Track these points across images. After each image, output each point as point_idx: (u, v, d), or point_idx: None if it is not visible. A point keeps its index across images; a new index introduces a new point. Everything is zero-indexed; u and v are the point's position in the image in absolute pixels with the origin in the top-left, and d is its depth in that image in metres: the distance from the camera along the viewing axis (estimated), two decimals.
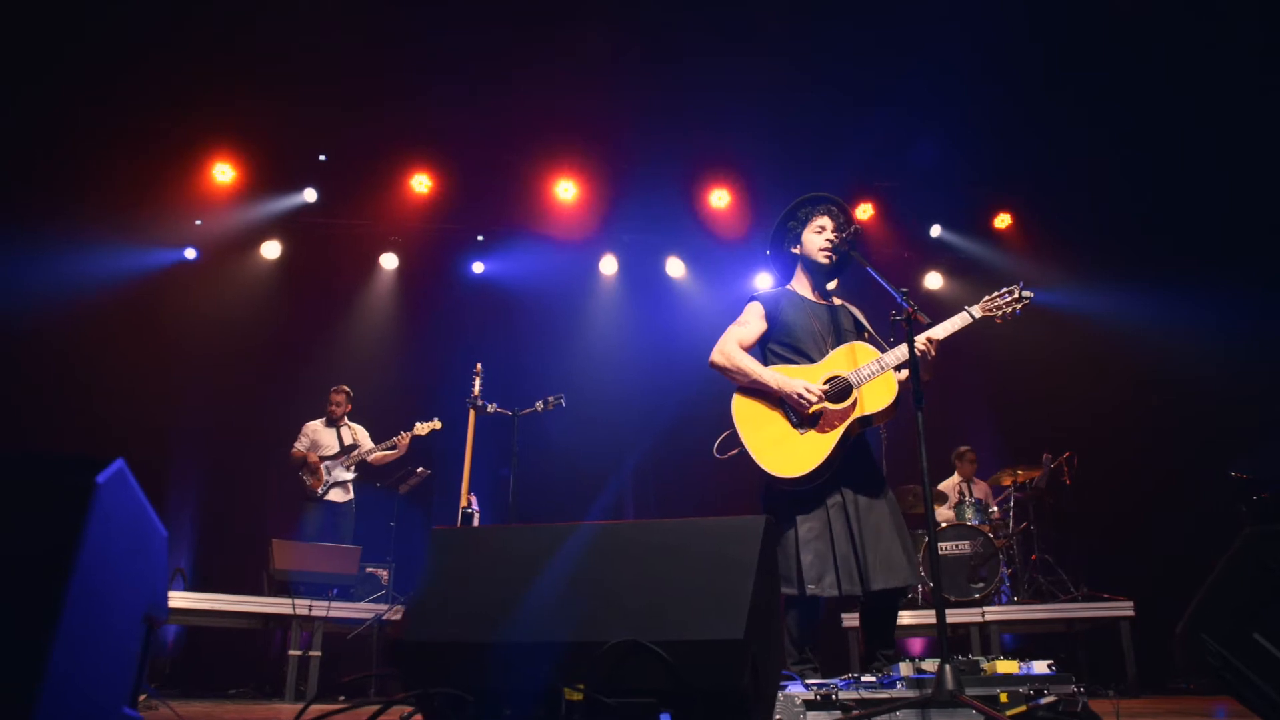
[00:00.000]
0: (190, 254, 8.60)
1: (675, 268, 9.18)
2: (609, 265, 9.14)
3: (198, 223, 8.54)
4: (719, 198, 8.80)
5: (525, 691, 2.09)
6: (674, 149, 8.24)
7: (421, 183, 8.68)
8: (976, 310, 3.65)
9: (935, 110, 7.33)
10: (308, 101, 7.65)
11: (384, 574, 7.07)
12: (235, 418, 8.19)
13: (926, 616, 6.34)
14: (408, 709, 2.35)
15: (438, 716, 2.16)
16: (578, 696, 2.01)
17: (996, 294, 3.67)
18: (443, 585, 2.35)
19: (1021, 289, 3.63)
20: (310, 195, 8.61)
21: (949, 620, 6.32)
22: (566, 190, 8.73)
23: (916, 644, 7.61)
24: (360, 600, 6.60)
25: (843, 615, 6.31)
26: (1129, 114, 7.44)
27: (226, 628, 6.55)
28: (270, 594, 6.23)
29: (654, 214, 8.79)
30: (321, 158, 8.48)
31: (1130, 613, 6.16)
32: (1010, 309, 3.63)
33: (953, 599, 6.48)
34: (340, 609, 6.23)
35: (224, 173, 8.33)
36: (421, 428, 7.41)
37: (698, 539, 2.21)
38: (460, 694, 2.06)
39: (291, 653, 5.95)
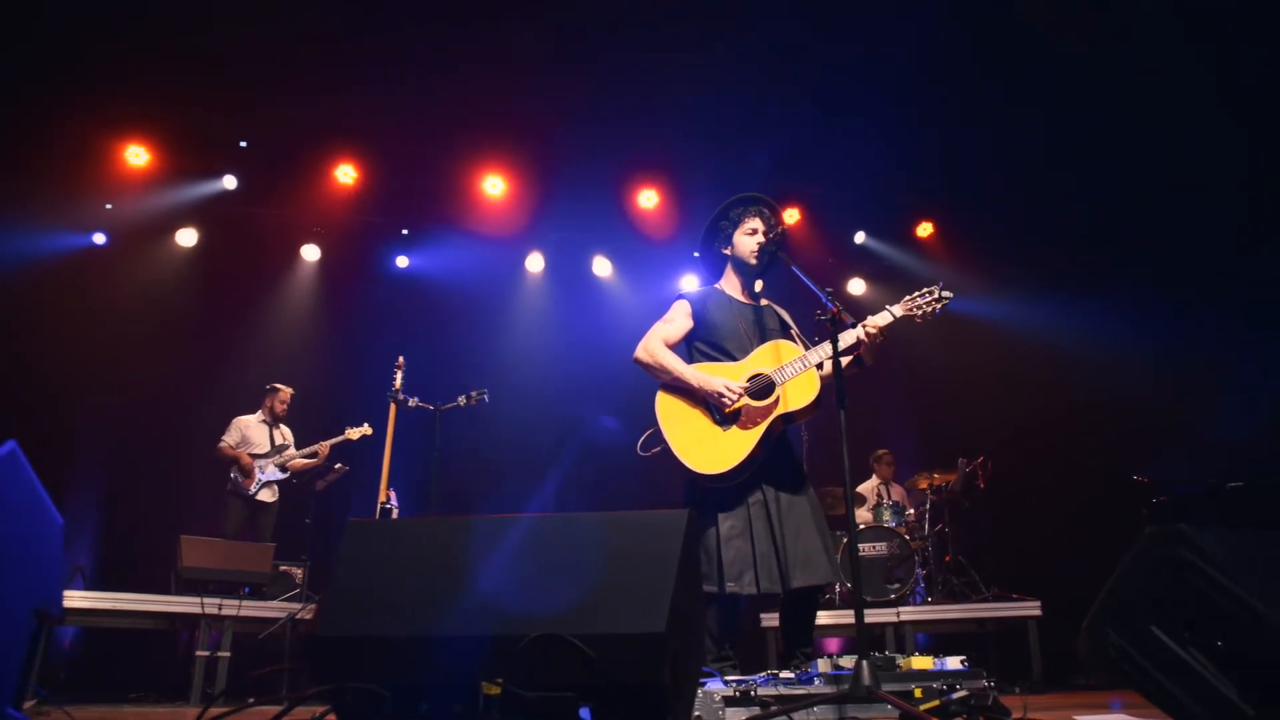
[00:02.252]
0: (99, 239, 8.26)
1: (602, 267, 9.16)
2: (536, 263, 9.08)
3: (108, 206, 8.20)
4: (648, 198, 8.81)
5: (443, 686, 2.04)
6: (604, 148, 8.22)
7: (346, 174, 8.48)
8: (898, 309, 3.72)
9: (861, 117, 7.45)
10: (229, 86, 7.40)
11: (299, 573, 6.90)
12: (147, 410, 7.89)
13: (844, 616, 6.44)
14: (321, 709, 2.29)
15: (352, 714, 2.10)
16: (496, 691, 1.98)
17: (917, 294, 3.74)
18: (359, 578, 2.29)
19: (941, 289, 3.71)
20: (230, 182, 8.33)
21: (867, 620, 6.47)
22: (495, 186, 8.64)
23: (833, 643, 7.72)
24: (273, 599, 6.42)
25: (762, 615, 6.37)
26: (1049, 127, 7.68)
27: (129, 629, 6.28)
28: (177, 593, 6.02)
29: (582, 212, 8.75)
30: (242, 144, 8.21)
31: (1037, 612, 6.36)
32: (930, 308, 3.70)
33: (869, 599, 6.59)
34: (252, 608, 6.05)
35: (137, 155, 7.99)
36: (353, 433, 7.28)
37: (620, 533, 2.19)
38: (375, 689, 2.01)
39: (199, 653, 5.75)
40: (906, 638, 6.43)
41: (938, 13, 6.84)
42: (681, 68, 7.41)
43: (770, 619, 6.24)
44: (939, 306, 3.71)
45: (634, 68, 7.52)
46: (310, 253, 8.77)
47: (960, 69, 7.38)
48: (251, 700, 4.61)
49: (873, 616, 6.47)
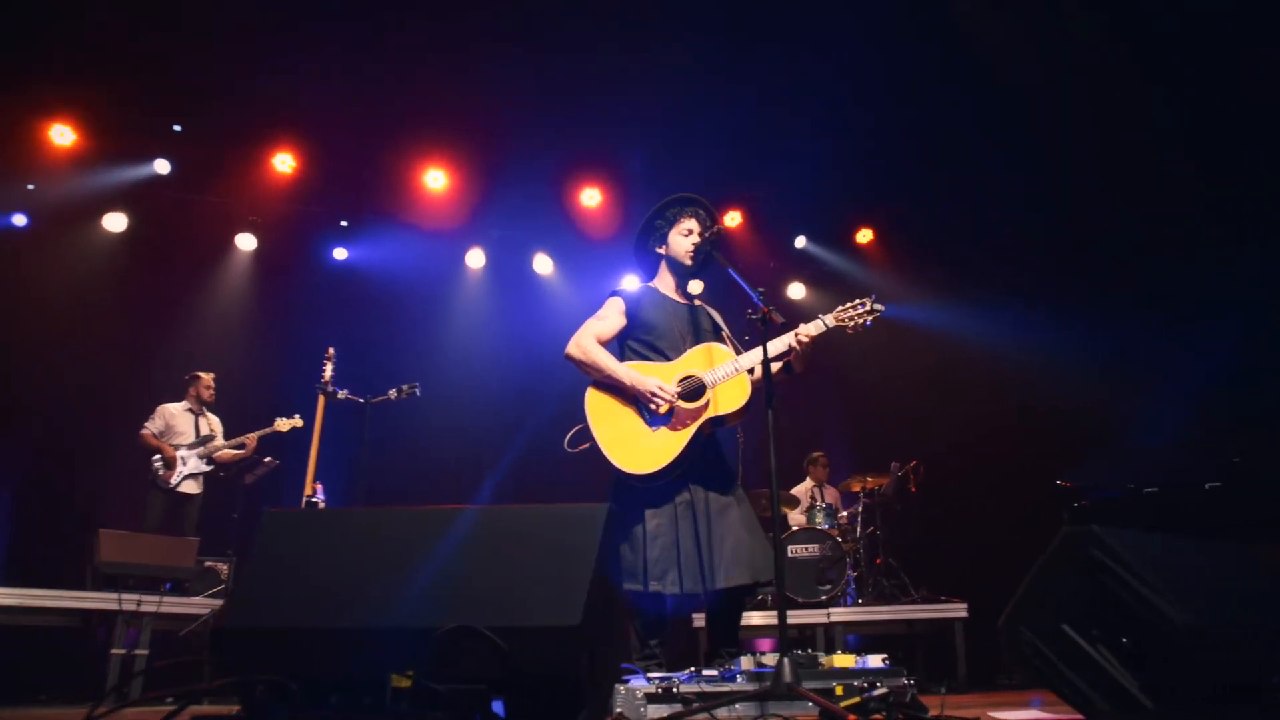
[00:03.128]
0: (20, 220, 7.97)
1: (543, 265, 9.12)
2: (476, 259, 9.00)
3: (30, 187, 7.92)
4: (590, 196, 8.80)
5: (353, 679, 2.01)
6: (547, 145, 8.17)
7: (284, 163, 8.31)
8: (830, 319, 3.76)
9: (805, 122, 7.53)
10: (163, 67, 7.20)
11: (224, 568, 6.73)
12: (67, 397, 7.65)
13: (775, 617, 6.47)
14: (234, 708, 2.23)
15: (259, 707, 2.05)
16: (406, 684, 1.95)
17: (850, 305, 3.79)
18: (272, 569, 2.24)
19: (874, 301, 3.76)
20: (163, 167, 8.11)
21: (797, 621, 6.55)
22: (436, 180, 8.54)
23: (765, 644, 7.78)
24: (196, 595, 6.25)
25: (694, 615, 6.39)
26: (988, 139, 7.83)
27: (41, 626, 6.04)
28: (94, 589, 5.82)
29: (525, 209, 8.71)
30: (176, 128, 8.00)
31: (964, 614, 6.48)
32: (861, 320, 3.75)
33: (801, 600, 6.65)
34: (173, 604, 5.87)
35: (63, 135, 7.72)
36: (282, 424, 7.12)
37: (538, 525, 2.18)
38: (282, 682, 1.96)
39: (114, 652, 5.56)
40: (836, 638, 6.49)
41: (882, 21, 6.94)
42: (627, 67, 7.43)
43: (702, 618, 6.26)
44: (870, 318, 3.76)
45: (579, 66, 7.50)
46: (245, 242, 8.58)
47: (903, 78, 7.50)
48: (170, 700, 4.49)
49: (804, 617, 6.53)
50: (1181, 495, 5.40)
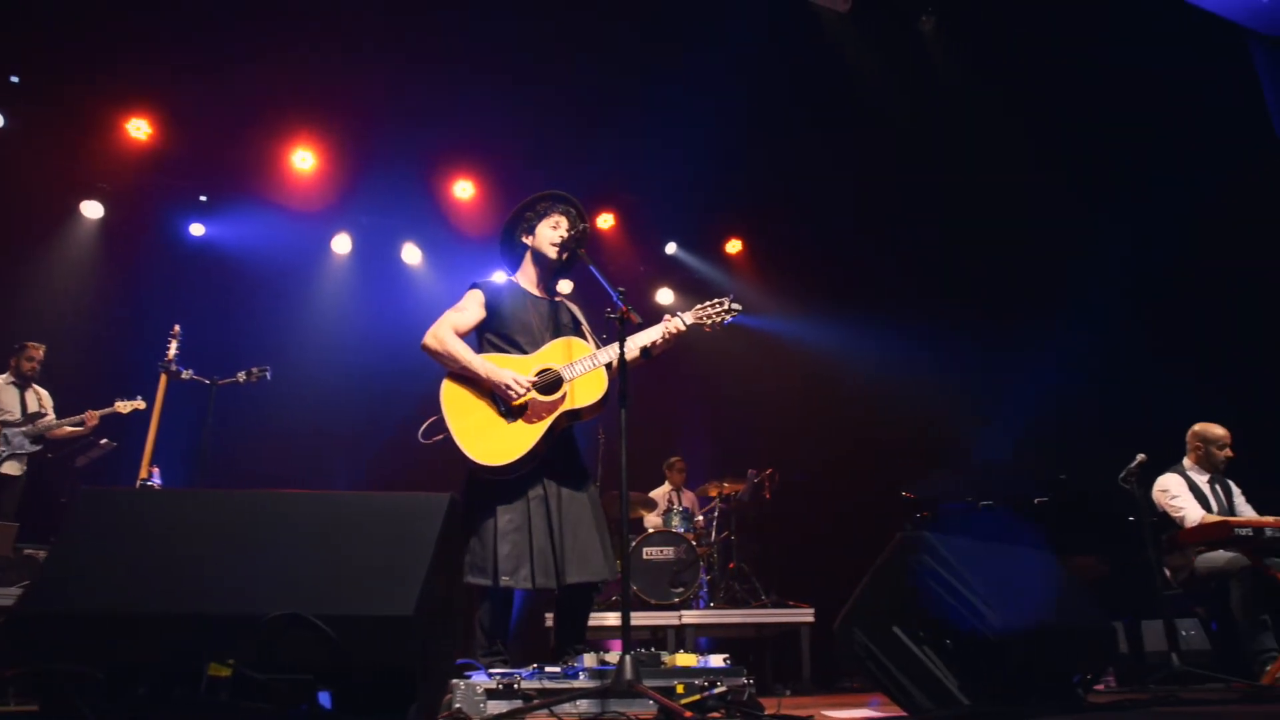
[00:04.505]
0: None
1: (412, 255, 8.91)
2: (343, 244, 8.71)
3: None
4: (463, 189, 8.66)
5: (166, 668, 1.90)
6: (422, 134, 7.98)
7: (139, 129, 7.82)
8: (688, 317, 3.83)
9: (678, 134, 7.62)
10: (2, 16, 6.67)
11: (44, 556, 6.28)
12: None
13: (632, 618, 6.52)
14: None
15: (59, 699, 1.91)
16: (225, 673, 1.86)
17: (708, 303, 3.88)
18: (84, 551, 2.09)
19: (731, 301, 3.86)
20: None
21: (649, 623, 6.60)
22: (304, 160, 8.22)
23: (617, 644, 7.82)
24: (10, 586, 5.81)
25: (546, 615, 6.35)
26: (853, 158, 8.12)
27: None
28: None
29: (396, 197, 8.48)
30: (14, 79, 7.42)
31: (811, 619, 6.66)
32: (719, 319, 3.84)
33: (653, 602, 6.71)
34: None
35: None
36: (123, 406, 6.68)
37: (377, 514, 2.12)
38: (83, 671, 1.83)
39: None
40: (688, 641, 6.58)
41: (759, 38, 7.11)
42: (507, 64, 7.35)
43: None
44: (728, 317, 3.86)
45: (458, 56, 7.38)
46: (91, 209, 8.03)
47: (776, 97, 7.70)
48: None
49: (656, 619, 6.59)
50: (1014, 509, 5.74)
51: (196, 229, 8.38)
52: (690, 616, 6.64)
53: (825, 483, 8.31)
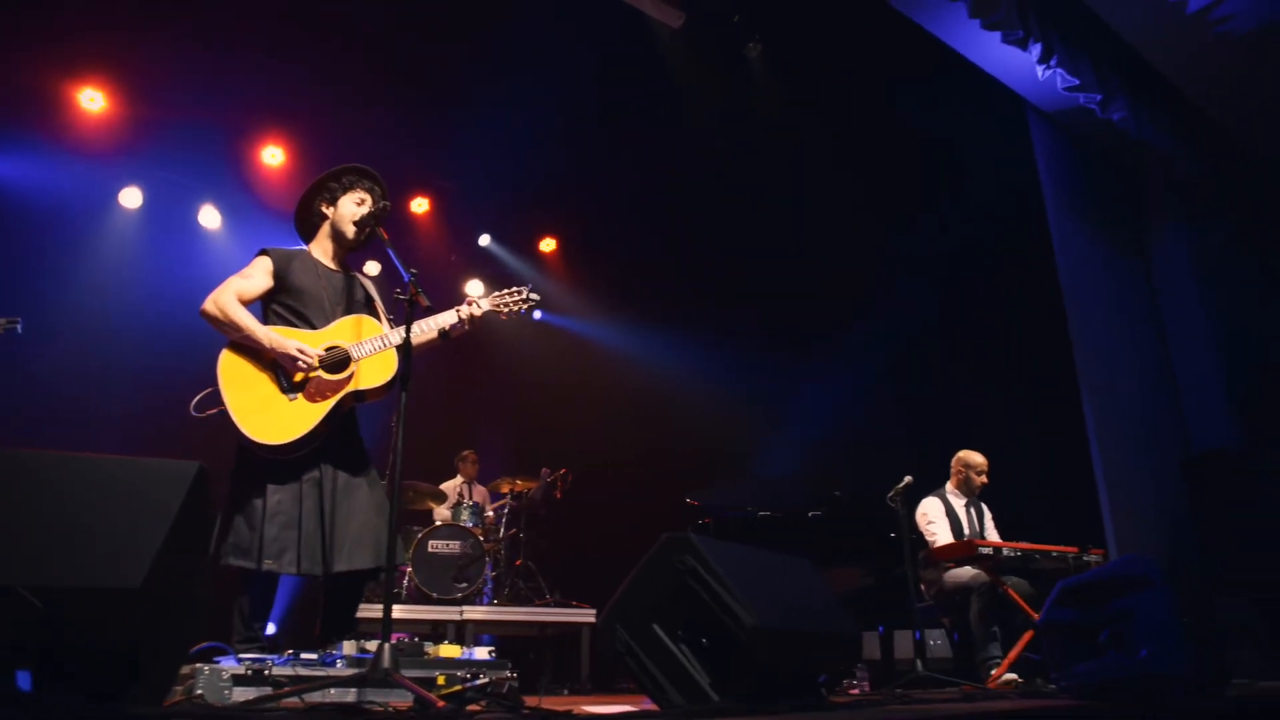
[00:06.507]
0: None
1: (210, 217, 8.35)
2: (132, 197, 8.04)
3: None
4: (273, 155, 8.21)
5: None
6: (235, 96, 7.50)
7: None
8: (485, 303, 3.81)
9: (503, 126, 7.55)
10: None
11: None
12: None
13: (413, 611, 6.43)
14: None
15: None
16: None
17: (506, 291, 3.88)
18: None
19: (529, 291, 3.88)
20: None
21: (430, 618, 6.48)
22: (93, 100, 7.53)
23: (401, 637, 7.63)
24: None
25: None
26: (672, 166, 8.30)
27: None
28: None
29: (196, 154, 7.91)
30: None
31: (592, 619, 6.72)
32: (516, 308, 3.85)
33: (436, 596, 6.60)
34: None
35: None
36: None
37: (113, 478, 1.96)
38: None
39: None
40: (468, 637, 6.50)
41: (593, 46, 7.15)
42: (334, 31, 7.02)
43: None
44: (525, 307, 3.88)
45: (282, 17, 6.96)
46: None
47: (600, 104, 7.77)
48: None
49: (437, 614, 6.48)
50: (790, 520, 6.04)
51: None
52: (473, 613, 6.57)
53: (616, 486, 8.43)
